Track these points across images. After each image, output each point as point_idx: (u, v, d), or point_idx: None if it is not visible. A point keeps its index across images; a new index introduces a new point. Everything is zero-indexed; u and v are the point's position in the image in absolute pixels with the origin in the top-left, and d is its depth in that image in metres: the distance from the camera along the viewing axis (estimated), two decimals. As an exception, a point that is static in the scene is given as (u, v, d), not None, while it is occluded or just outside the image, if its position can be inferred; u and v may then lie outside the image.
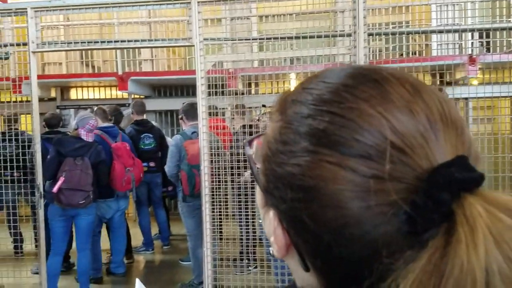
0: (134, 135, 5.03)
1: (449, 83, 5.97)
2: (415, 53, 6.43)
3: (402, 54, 5.96)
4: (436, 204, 0.34)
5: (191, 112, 4.05)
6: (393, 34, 3.10)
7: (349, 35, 2.92)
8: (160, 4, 3.13)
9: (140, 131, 5.10)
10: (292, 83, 6.46)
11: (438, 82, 6.12)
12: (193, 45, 3.13)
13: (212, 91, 3.30)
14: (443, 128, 0.38)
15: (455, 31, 3.25)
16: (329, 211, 0.37)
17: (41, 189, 3.20)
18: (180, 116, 4.28)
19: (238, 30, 6.93)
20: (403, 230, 0.35)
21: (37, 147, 3.20)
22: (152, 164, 5.10)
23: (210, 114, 3.51)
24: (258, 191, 0.47)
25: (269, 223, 0.44)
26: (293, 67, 4.79)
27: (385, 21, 5.20)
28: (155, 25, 6.83)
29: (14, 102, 4.30)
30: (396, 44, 4.43)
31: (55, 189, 3.40)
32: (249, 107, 4.64)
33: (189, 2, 3.05)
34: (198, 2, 3.07)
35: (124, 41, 3.27)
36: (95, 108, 4.85)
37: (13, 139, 4.08)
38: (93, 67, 7.91)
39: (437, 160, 0.36)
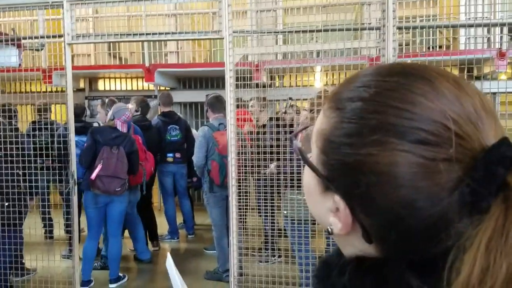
0: (160, 126, 5.15)
1: (477, 77, 5.87)
2: (441, 47, 6.33)
3: (429, 48, 5.89)
4: (494, 177, 0.41)
5: (216, 105, 4.17)
6: (422, 28, 3.09)
7: (377, 28, 2.92)
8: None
9: (166, 123, 5.20)
10: (317, 76, 6.45)
11: (465, 76, 6.03)
12: (223, 38, 3.18)
13: (240, 84, 3.35)
14: (486, 116, 0.46)
15: (485, 25, 3.19)
16: (403, 190, 0.44)
17: (75, 177, 3.33)
18: (205, 109, 4.35)
19: (264, 23, 6.96)
20: (467, 200, 0.43)
21: (71, 136, 3.32)
22: (178, 155, 5.21)
23: (237, 106, 3.56)
24: (311, 181, 0.53)
25: (329, 206, 0.51)
26: (318, 60, 4.79)
27: (413, 14, 5.14)
28: (181, 17, 6.92)
29: (44, 92, 4.45)
30: (424, 38, 4.39)
31: (93, 175, 3.55)
32: (276, 100, 4.67)
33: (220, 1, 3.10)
34: (229, -5, 3.11)
35: (155, 33, 3.34)
36: (106, 100, 4.97)
37: (43, 128, 4.24)
38: (120, 58, 8.07)
39: (486, 142, 0.44)
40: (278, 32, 3.80)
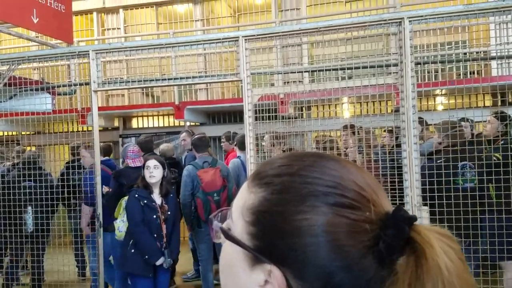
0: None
1: (511, 103, 5.65)
2: (473, 73, 6.16)
3: (460, 75, 5.72)
4: (402, 233, 0.50)
5: (200, 145, 4.36)
6: (442, 62, 3.01)
7: (395, 65, 2.88)
8: (210, 43, 3.27)
9: None
10: (345, 107, 6.40)
11: (499, 103, 5.80)
12: (241, 80, 3.22)
13: (265, 116, 3.37)
14: (378, 186, 0.56)
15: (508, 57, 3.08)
16: (335, 248, 0.50)
17: (101, 219, 3.40)
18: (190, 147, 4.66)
19: (290, 56, 7.03)
20: (384, 254, 0.50)
21: (98, 179, 3.42)
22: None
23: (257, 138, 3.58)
24: (234, 258, 0.55)
25: (257, 280, 0.53)
26: (344, 91, 4.76)
27: (440, 41, 5.04)
28: (210, 56, 7.11)
29: (77, 131, 4.64)
30: (453, 65, 4.28)
31: None
32: (303, 131, 4.66)
33: (237, 40, 3.17)
34: (245, 38, 3.17)
35: (177, 78, 3.44)
36: (102, 144, 5.10)
37: (76, 168, 4.40)
38: (152, 96, 8.35)
39: (387, 207, 0.54)
40: (302, 72, 3.79)
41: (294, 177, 0.54)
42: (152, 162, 3.51)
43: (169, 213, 3.55)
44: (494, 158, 3.24)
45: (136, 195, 3.46)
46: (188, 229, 4.47)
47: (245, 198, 0.56)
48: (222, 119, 7.83)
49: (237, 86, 7.77)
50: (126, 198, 3.64)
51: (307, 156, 0.57)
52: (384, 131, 4.82)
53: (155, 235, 3.44)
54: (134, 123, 8.36)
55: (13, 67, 3.53)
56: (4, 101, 3.98)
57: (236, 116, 7.66)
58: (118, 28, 8.62)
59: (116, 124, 8.13)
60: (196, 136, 4.46)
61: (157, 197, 3.55)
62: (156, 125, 8.19)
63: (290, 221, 0.51)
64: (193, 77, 3.49)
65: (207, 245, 4.29)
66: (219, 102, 7.04)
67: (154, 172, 3.47)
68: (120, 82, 3.55)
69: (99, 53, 3.40)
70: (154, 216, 3.45)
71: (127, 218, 3.53)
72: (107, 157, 4.69)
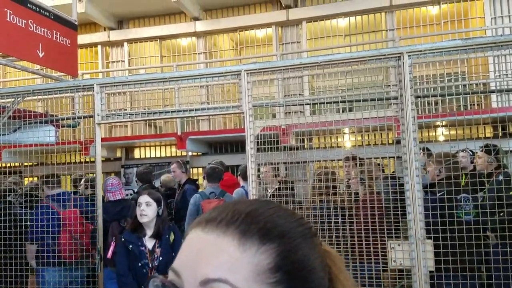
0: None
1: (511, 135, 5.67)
2: (473, 104, 6.21)
3: (460, 106, 5.77)
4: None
5: (213, 176, 4.38)
6: (442, 95, 3.05)
7: (395, 98, 2.92)
8: (213, 76, 3.33)
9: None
10: (346, 137, 6.43)
11: (500, 134, 5.82)
12: (243, 112, 3.26)
13: (267, 147, 3.39)
14: None
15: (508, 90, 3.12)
16: (324, 269, 0.59)
17: (101, 253, 3.37)
18: (203, 176, 4.62)
19: (291, 89, 7.12)
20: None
21: (99, 212, 3.41)
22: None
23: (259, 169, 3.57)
24: None
25: None
26: (345, 122, 4.80)
27: (440, 72, 5.11)
28: (212, 86, 7.22)
29: (79, 163, 4.65)
30: (453, 97, 4.32)
31: (109, 254, 3.46)
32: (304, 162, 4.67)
33: (239, 73, 3.22)
34: (247, 72, 3.23)
35: (180, 110, 3.49)
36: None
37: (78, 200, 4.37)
38: (155, 127, 8.42)
39: None
40: (296, 104, 3.84)
41: (291, 223, 0.57)
42: (144, 199, 3.03)
43: (160, 258, 2.99)
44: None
45: (123, 239, 3.02)
46: None
47: (252, 261, 0.51)
48: (224, 149, 7.86)
49: (239, 116, 7.85)
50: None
51: (269, 202, 0.61)
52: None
53: (142, 287, 2.94)
54: (137, 153, 8.40)
55: (18, 100, 3.58)
56: (8, 134, 4.01)
57: (238, 145, 7.70)
58: (122, 61, 8.78)
59: (118, 154, 8.16)
60: (209, 166, 4.50)
61: (148, 240, 3.04)
62: (158, 155, 8.23)
63: (310, 263, 0.56)
64: (196, 109, 3.53)
65: None
66: (221, 133, 7.09)
67: (145, 210, 2.98)
68: (124, 115, 3.59)
69: (104, 86, 3.45)
70: (140, 264, 2.95)
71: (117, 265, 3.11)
72: (58, 191, 4.08)
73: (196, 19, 8.38)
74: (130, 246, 2.97)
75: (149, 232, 3.04)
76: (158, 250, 3.00)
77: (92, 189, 4.75)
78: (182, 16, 8.59)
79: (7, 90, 3.54)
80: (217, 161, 4.80)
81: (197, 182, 5.50)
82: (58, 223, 3.78)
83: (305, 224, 0.59)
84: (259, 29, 8.27)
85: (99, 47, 8.90)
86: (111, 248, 3.41)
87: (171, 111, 3.47)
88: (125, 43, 8.75)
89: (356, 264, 3.07)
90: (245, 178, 4.53)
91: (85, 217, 4.02)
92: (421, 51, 2.88)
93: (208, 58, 8.35)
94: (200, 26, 8.33)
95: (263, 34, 8.33)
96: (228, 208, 0.56)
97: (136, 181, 6.41)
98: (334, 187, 3.76)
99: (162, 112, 3.58)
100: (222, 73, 3.29)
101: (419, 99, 2.88)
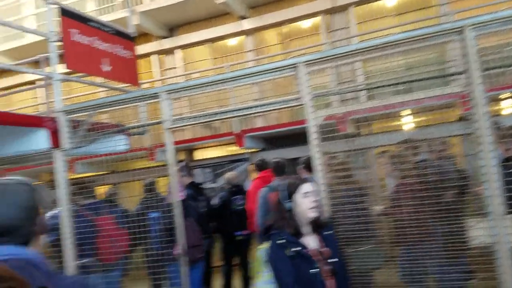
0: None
1: None
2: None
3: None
4: None
5: (278, 169, 4.61)
6: (509, 66, 2.92)
7: (460, 73, 2.83)
8: (271, 72, 3.40)
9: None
10: (406, 119, 6.27)
11: None
12: (303, 104, 3.31)
13: (328, 137, 3.40)
14: None
15: None
16: None
17: (183, 252, 3.55)
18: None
19: (344, 75, 7.04)
20: None
21: (177, 212, 3.58)
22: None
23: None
24: None
25: None
26: (406, 103, 4.69)
27: (504, 41, 4.84)
28: (266, 82, 7.31)
29: (149, 168, 4.90)
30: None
31: (177, 251, 3.66)
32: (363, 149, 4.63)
33: (296, 66, 3.27)
34: (305, 64, 3.27)
35: (241, 109, 3.60)
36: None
37: (155, 203, 4.62)
38: (212, 128, 8.68)
39: None
40: (358, 90, 3.82)
41: None
42: (309, 187, 2.26)
43: (334, 260, 2.16)
44: None
45: (279, 242, 2.14)
46: None
47: None
48: (280, 144, 7.93)
49: (292, 110, 7.87)
50: (262, 247, 2.24)
51: None
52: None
53: None
54: (197, 155, 8.69)
55: (92, 113, 3.85)
56: (84, 146, 4.31)
57: (294, 139, 7.73)
58: (175, 68, 9.10)
59: (181, 157, 8.48)
60: (275, 160, 4.74)
61: (310, 239, 2.22)
62: (217, 154, 8.47)
63: None
64: (256, 106, 3.63)
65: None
66: (278, 127, 7.17)
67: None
68: (189, 118, 3.76)
69: (170, 92, 3.62)
70: (310, 272, 2.10)
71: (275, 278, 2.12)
72: (91, 201, 4.46)
73: (242, 17, 8.51)
74: (294, 249, 2.12)
75: (307, 229, 2.23)
76: (325, 250, 2.19)
77: (151, 192, 5.04)
78: (229, 17, 8.75)
79: (83, 104, 3.82)
80: (278, 157, 4.93)
81: (200, 186, 5.41)
82: (95, 229, 4.08)
83: None
84: (306, 19, 8.25)
85: (152, 56, 9.28)
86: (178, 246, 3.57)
87: (233, 110, 3.59)
88: (178, 50, 9.05)
89: (441, 244, 3.02)
90: (309, 169, 4.53)
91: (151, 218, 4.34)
92: (483, 22, 2.78)
93: (258, 55, 8.44)
94: (247, 24, 8.45)
95: (310, 23, 8.30)
96: None
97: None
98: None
99: (224, 112, 3.70)
100: (279, 67, 3.35)
101: (486, 71, 2.78)
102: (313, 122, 3.32)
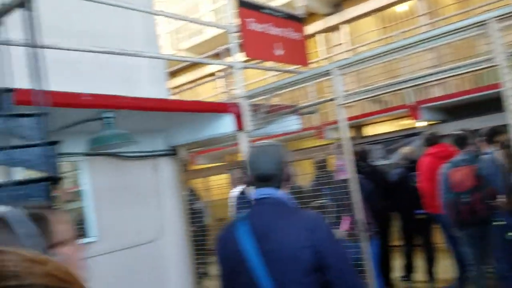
0: None
1: None
2: None
3: None
4: None
5: (460, 142, 4.18)
6: None
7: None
8: (459, 32, 3.08)
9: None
10: None
11: None
12: (497, 65, 2.91)
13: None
14: None
15: None
16: None
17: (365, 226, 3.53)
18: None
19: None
20: None
21: (355, 187, 3.57)
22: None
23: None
24: None
25: None
26: None
27: None
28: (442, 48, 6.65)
29: (322, 146, 4.96)
30: None
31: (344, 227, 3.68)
32: None
33: (486, 23, 2.89)
34: (497, 19, 2.86)
35: (422, 76, 3.35)
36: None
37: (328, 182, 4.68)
38: (381, 102, 8.30)
39: None
40: None
41: None
42: None
43: None
44: None
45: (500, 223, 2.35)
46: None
47: None
48: (463, 114, 7.13)
49: (476, 75, 6.96)
50: None
51: None
52: None
53: None
54: (366, 131, 8.46)
55: (270, 95, 4.09)
56: (263, 128, 4.60)
57: (479, 107, 6.87)
58: (340, 44, 8.98)
59: (351, 134, 8.39)
60: (456, 134, 4.33)
61: None
62: (388, 130, 8.09)
63: None
64: (436, 73, 3.32)
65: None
66: (460, 95, 6.44)
67: None
68: (361, 93, 3.67)
69: (341, 68, 3.60)
70: None
71: None
72: None
73: (411, -20, 7.88)
74: None
75: None
76: None
77: (321, 170, 5.06)
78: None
79: (262, 89, 4.10)
80: (460, 129, 4.43)
81: (371, 163, 5.23)
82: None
83: None
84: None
85: (317, 35, 9.33)
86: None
87: (412, 79, 3.36)
88: (343, 25, 8.91)
89: None
90: (491, 142, 4.01)
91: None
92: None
93: (432, 18, 7.71)
94: (418, -14, 7.79)
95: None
96: None
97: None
98: None
99: (399, 83, 3.50)
100: (465, 27, 3.00)
101: None
102: (509, 84, 2.91)
